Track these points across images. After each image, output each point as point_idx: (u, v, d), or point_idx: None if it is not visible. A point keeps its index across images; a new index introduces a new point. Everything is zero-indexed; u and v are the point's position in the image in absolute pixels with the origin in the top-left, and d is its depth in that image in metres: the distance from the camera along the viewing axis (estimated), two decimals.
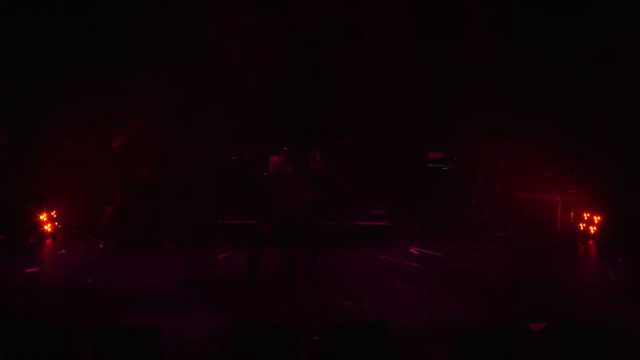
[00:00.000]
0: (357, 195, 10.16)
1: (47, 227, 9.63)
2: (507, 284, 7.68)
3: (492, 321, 6.04)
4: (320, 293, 6.20)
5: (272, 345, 4.28)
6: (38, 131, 9.74)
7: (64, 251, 9.04)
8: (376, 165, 10.72)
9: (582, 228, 9.92)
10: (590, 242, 9.71)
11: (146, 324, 4.54)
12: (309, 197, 7.53)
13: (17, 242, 8.94)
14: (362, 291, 7.34)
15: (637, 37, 9.73)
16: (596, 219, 9.83)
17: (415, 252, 9.18)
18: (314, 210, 7.78)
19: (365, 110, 10.20)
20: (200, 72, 10.15)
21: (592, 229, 9.83)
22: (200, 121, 10.29)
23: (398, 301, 6.98)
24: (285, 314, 6.44)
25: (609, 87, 10.31)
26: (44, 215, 9.60)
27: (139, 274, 7.88)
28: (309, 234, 7.49)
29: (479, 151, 10.98)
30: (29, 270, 8.02)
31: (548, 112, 10.03)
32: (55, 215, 9.73)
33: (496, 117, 10.37)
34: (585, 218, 9.90)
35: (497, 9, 10.52)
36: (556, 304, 6.93)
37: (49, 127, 9.65)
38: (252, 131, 10.30)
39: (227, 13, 10.19)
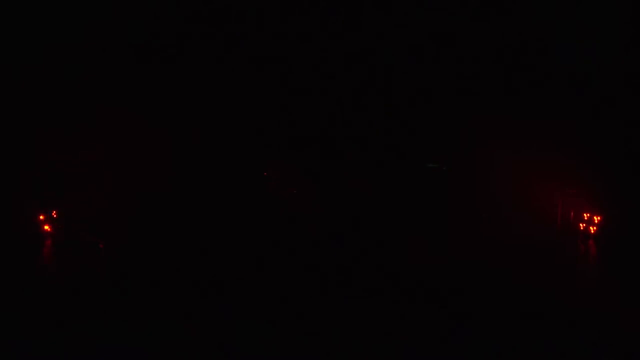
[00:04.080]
0: None
1: (47, 227, 9.59)
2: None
3: None
4: None
5: None
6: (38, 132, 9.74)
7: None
8: None
9: (582, 228, 9.93)
10: (590, 242, 9.72)
11: None
12: None
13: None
14: None
15: (636, 37, 9.75)
16: (596, 219, 9.84)
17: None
18: None
19: None
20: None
21: (592, 229, 9.84)
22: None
23: None
24: None
25: (608, 87, 10.30)
26: (43, 215, 9.57)
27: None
28: None
29: (478, 153, 10.97)
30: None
31: (548, 112, 10.02)
32: (55, 216, 9.69)
33: (495, 117, 10.36)
34: (586, 218, 9.91)
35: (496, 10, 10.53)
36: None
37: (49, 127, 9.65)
38: None
39: None
